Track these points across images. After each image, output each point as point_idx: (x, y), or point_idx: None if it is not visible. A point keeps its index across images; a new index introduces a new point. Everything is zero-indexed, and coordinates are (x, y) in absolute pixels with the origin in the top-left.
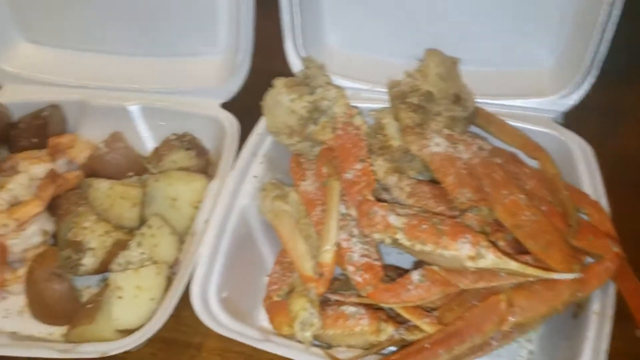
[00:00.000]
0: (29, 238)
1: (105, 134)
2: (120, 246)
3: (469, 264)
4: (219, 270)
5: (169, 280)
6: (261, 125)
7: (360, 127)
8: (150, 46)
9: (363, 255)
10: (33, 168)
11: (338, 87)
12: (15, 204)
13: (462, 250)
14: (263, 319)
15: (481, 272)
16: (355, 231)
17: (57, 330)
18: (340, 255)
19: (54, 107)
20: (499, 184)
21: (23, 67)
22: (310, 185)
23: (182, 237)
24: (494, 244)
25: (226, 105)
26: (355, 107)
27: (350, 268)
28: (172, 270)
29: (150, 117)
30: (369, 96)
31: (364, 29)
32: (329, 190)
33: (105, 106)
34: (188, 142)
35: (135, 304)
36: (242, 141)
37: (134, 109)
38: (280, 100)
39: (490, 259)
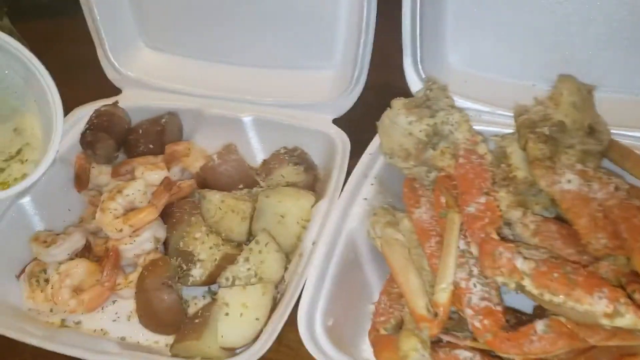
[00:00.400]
0: (141, 244)
1: (219, 144)
2: (228, 260)
3: (604, 322)
4: (326, 295)
5: (275, 301)
6: (374, 145)
7: (485, 156)
8: (266, 58)
9: (483, 299)
10: (149, 174)
11: (462, 111)
12: (130, 210)
13: (598, 306)
14: (366, 350)
15: (616, 329)
16: (475, 270)
17: (163, 340)
18: (457, 296)
19: (172, 115)
20: (638, 230)
21: (143, 73)
22: (424, 213)
23: (288, 255)
24: (633, 301)
25: (337, 121)
26: (480, 134)
27: (469, 311)
28: (277, 290)
29: (262, 129)
30: (490, 119)
31: (487, 47)
32: (448, 223)
33: (220, 116)
34: (297, 157)
35: (240, 322)
36: (352, 159)
37: (247, 120)
38: (398, 122)
39: (630, 318)
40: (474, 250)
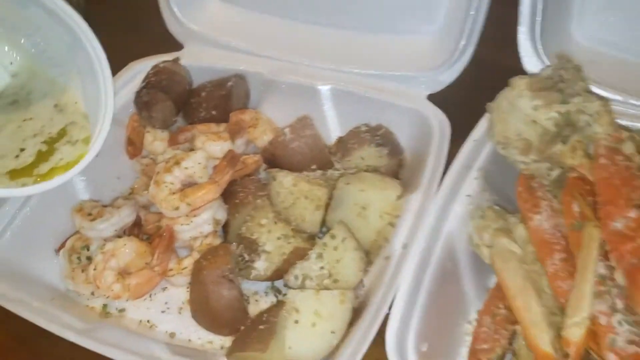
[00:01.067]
0: (199, 226)
1: (289, 115)
2: (298, 255)
3: None
4: (420, 313)
5: (354, 312)
6: (480, 130)
7: (633, 157)
8: (351, 17)
9: (631, 342)
10: (211, 145)
11: (602, 99)
12: (187, 185)
13: None
14: None
15: None
16: (620, 304)
17: (218, 340)
18: (594, 334)
19: (239, 78)
20: None
21: (210, 27)
22: (545, 221)
23: (367, 254)
24: None
25: (433, 98)
26: (627, 128)
27: (611, 356)
28: (355, 294)
29: (341, 101)
30: (621, 109)
31: (620, 22)
32: (585, 239)
33: (293, 83)
34: (381, 137)
35: (313, 333)
36: (450, 146)
37: (324, 89)
38: (519, 105)
39: None
40: (620, 277)
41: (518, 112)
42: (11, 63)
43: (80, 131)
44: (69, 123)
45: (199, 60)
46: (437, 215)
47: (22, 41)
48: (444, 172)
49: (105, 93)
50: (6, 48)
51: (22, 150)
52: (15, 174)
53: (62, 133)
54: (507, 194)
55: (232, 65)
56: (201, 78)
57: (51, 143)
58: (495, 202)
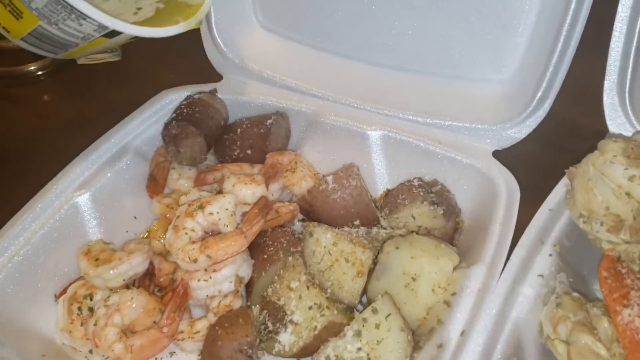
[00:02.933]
0: (218, 283)
1: (333, 161)
2: (332, 331)
3: None
4: None
5: None
6: (556, 198)
7: None
8: (411, 57)
9: None
10: (242, 189)
11: None
12: (210, 234)
13: None
14: None
15: None
16: None
17: None
18: None
19: (281, 116)
20: None
21: (252, 59)
22: (638, 317)
23: (413, 335)
24: None
25: (499, 155)
26: None
27: None
28: None
29: (393, 150)
30: None
31: None
32: None
33: (340, 125)
34: (436, 195)
35: None
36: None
37: (375, 135)
38: (610, 173)
39: None
40: None
41: (607, 182)
42: None
43: None
44: None
45: (238, 93)
46: (504, 298)
47: None
48: (512, 245)
49: None
50: None
51: (139, 9)
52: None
53: None
54: (584, 275)
55: (273, 101)
56: (239, 113)
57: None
58: (573, 286)
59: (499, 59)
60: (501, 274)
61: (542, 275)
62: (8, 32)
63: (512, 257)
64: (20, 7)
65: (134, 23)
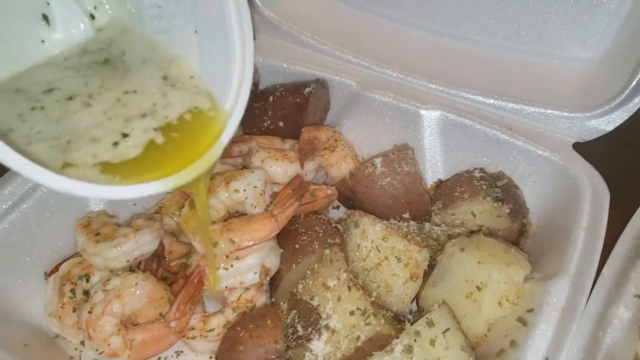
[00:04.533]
0: (241, 273)
1: (376, 142)
2: (377, 344)
3: None
4: None
5: None
6: None
7: None
8: (481, 29)
9: None
10: (273, 165)
11: None
12: (234, 214)
13: None
14: None
15: None
16: None
17: None
18: None
19: (321, 85)
20: None
21: (291, 18)
22: None
23: (475, 354)
24: None
25: (580, 148)
26: None
27: None
28: None
29: (451, 134)
30: None
31: None
32: None
33: (390, 103)
34: (502, 190)
35: None
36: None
37: (430, 115)
38: None
39: None
40: None
41: None
42: (95, 7)
43: (204, 116)
44: (192, 105)
45: (273, 57)
46: (595, 320)
47: None
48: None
49: (243, 66)
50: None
51: (124, 136)
52: (108, 169)
53: (183, 117)
54: None
55: (312, 69)
56: (272, 79)
57: (168, 131)
58: None
59: (588, 35)
60: (591, 291)
61: (639, 296)
62: None
63: (604, 271)
64: None
65: (99, 165)
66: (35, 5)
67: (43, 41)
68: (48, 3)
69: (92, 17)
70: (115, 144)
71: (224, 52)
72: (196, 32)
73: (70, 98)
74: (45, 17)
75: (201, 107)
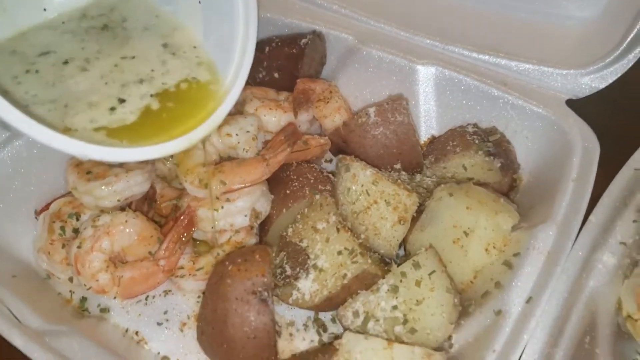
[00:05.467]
0: (232, 214)
1: (371, 96)
2: (362, 282)
3: None
4: None
5: None
6: None
7: None
8: None
9: None
10: (266, 114)
11: None
12: (227, 158)
13: None
14: None
15: None
16: None
17: None
18: None
19: (317, 37)
20: None
21: None
22: None
23: (459, 298)
24: None
25: (573, 105)
26: None
27: None
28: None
29: (445, 89)
30: None
31: None
32: None
33: (385, 58)
34: (494, 145)
35: None
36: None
37: (425, 71)
38: None
39: None
40: None
41: None
42: None
43: (203, 87)
44: (191, 76)
45: (268, 9)
46: (580, 264)
47: None
48: (588, 207)
49: (245, 38)
50: None
51: (121, 101)
52: (112, 134)
53: (180, 87)
54: None
55: (308, 22)
56: (267, 30)
57: (165, 99)
58: None
59: None
60: (577, 237)
61: (624, 243)
62: None
63: (591, 217)
64: None
65: (98, 129)
66: None
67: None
68: None
69: None
70: (112, 109)
71: (228, 23)
72: (200, 2)
73: (66, 62)
74: None
75: (200, 78)
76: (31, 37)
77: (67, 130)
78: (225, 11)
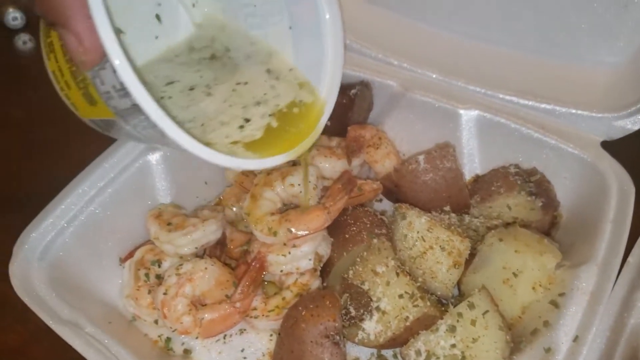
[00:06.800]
0: (297, 259)
1: (417, 140)
2: (423, 323)
3: None
4: None
5: None
6: None
7: None
8: (514, 34)
9: None
10: (323, 162)
11: None
12: (290, 207)
13: None
14: None
15: None
16: None
17: None
18: None
19: (365, 87)
20: None
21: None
22: None
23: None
24: None
25: (608, 147)
26: None
27: None
28: None
29: (487, 132)
30: None
31: None
32: None
33: (429, 103)
34: (535, 185)
35: None
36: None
37: (468, 115)
38: None
39: None
40: None
41: None
42: (193, 5)
43: (306, 105)
44: (298, 98)
45: None
46: (621, 303)
47: None
48: (626, 247)
49: (335, 57)
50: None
51: (246, 120)
52: (248, 146)
53: (291, 106)
54: None
55: (355, 71)
56: None
57: (281, 118)
58: None
59: (615, 40)
60: (617, 277)
61: None
62: (77, 109)
63: (629, 259)
64: (95, 97)
65: (234, 143)
66: (150, 5)
67: (157, 37)
68: (159, 4)
69: (191, 13)
70: (241, 127)
71: (317, 43)
72: (290, 27)
73: (192, 88)
74: (158, 17)
75: (304, 99)
76: (154, 70)
77: (208, 144)
78: (315, 31)
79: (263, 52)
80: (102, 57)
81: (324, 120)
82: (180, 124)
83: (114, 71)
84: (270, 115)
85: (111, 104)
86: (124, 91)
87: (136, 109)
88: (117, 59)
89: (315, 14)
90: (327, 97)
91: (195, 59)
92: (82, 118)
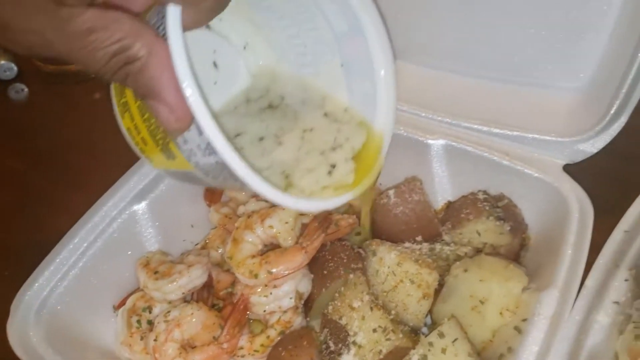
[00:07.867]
0: (279, 299)
1: (390, 171)
2: (397, 355)
3: None
4: None
5: None
6: (631, 218)
7: None
8: (475, 63)
9: None
10: None
11: None
12: (270, 247)
13: None
14: None
15: None
16: None
17: None
18: None
19: None
20: None
21: None
22: None
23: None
24: None
25: (570, 170)
26: None
27: None
28: None
29: (456, 160)
30: None
31: None
32: None
33: (398, 134)
34: (503, 210)
35: None
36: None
37: (436, 145)
38: None
39: None
40: None
41: None
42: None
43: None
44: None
45: None
46: (579, 326)
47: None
48: (585, 268)
49: (388, 89)
50: (261, 45)
51: (332, 167)
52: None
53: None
54: None
55: None
56: None
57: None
58: None
59: (573, 66)
60: (575, 299)
61: (617, 302)
62: (151, 162)
63: (587, 282)
64: (175, 153)
65: (325, 188)
66: (208, 54)
67: (215, 82)
68: (215, 51)
69: (249, 65)
70: (330, 172)
71: (369, 77)
72: (342, 65)
73: (262, 139)
74: (215, 64)
75: (366, 138)
76: (221, 123)
77: (289, 187)
78: (366, 67)
79: (317, 96)
80: (191, 123)
81: (384, 151)
82: (258, 171)
83: (200, 134)
84: (352, 159)
85: (193, 160)
86: (209, 150)
87: (221, 165)
88: (211, 132)
89: (365, 44)
90: (383, 128)
91: (255, 110)
92: (155, 167)
